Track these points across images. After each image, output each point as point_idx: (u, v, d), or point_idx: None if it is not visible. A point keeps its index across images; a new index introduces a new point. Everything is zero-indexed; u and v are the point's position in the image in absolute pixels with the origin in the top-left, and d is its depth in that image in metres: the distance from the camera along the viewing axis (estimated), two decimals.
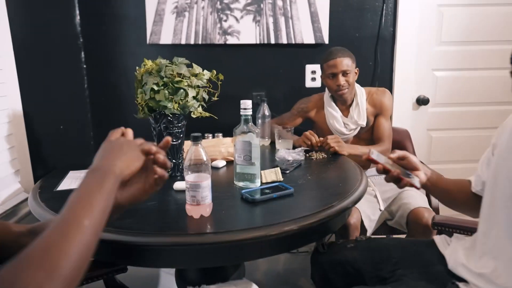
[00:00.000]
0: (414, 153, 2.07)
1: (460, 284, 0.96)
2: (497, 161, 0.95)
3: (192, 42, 2.04)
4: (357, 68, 1.79)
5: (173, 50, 2.06)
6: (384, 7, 2.13)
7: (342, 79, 1.71)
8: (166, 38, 2.03)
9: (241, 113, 1.19)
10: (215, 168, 1.45)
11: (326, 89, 1.86)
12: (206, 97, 1.38)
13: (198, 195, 0.98)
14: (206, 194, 0.99)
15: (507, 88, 2.45)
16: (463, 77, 2.31)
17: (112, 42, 2.07)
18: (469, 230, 1.23)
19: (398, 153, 1.07)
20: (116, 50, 2.08)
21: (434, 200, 1.77)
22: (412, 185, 1.00)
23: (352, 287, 1.07)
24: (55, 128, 1.93)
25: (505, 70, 2.47)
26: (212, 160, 1.48)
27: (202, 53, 2.09)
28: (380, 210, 1.69)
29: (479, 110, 2.37)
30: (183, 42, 2.04)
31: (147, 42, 2.03)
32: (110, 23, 2.04)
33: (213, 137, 1.75)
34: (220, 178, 1.37)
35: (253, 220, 1.04)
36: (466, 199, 1.09)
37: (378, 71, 2.21)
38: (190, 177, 0.99)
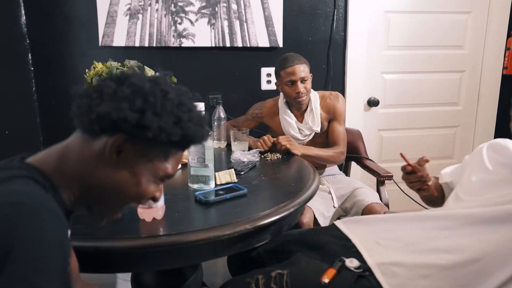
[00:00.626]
0: (366, 153, 2.16)
1: (347, 260, 1.02)
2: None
3: (146, 44, 2.02)
4: (311, 74, 1.79)
5: (126, 53, 2.03)
6: (335, 13, 2.21)
7: (301, 86, 1.71)
8: (119, 40, 1.99)
9: None
10: None
11: (281, 94, 1.86)
12: None
13: None
14: None
15: (450, 90, 2.62)
16: (410, 80, 2.45)
17: (62, 44, 2.00)
18: None
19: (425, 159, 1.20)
20: (67, 52, 2.01)
21: (384, 196, 1.86)
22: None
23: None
24: (0, 134, 1.84)
25: (447, 73, 2.64)
26: None
27: (157, 55, 2.07)
28: (334, 207, 1.75)
29: (425, 111, 2.51)
30: (137, 44, 2.01)
31: (99, 44, 1.99)
32: (60, 24, 1.98)
33: None
34: (175, 181, 1.37)
35: (207, 221, 1.05)
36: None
37: (331, 74, 2.29)
38: None
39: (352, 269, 1.00)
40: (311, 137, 1.85)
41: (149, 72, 1.37)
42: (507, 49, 2.42)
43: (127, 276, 1.96)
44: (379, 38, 2.35)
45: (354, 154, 2.14)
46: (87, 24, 1.99)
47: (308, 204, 1.59)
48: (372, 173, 1.99)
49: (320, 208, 1.67)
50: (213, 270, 2.16)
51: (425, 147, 2.56)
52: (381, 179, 1.91)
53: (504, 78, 2.48)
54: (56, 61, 2.01)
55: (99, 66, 1.29)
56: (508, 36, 2.42)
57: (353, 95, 2.33)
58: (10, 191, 0.59)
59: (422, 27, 2.37)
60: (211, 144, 1.21)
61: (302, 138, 1.83)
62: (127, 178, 0.67)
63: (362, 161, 2.11)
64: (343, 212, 1.82)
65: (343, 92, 2.32)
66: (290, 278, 1.00)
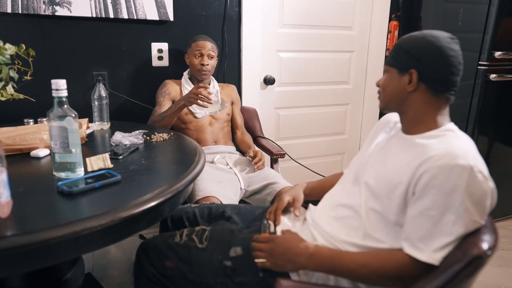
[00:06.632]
0: (261, 131, 2.17)
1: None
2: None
3: (8, 10, 1.73)
4: (217, 58, 1.95)
5: None
6: None
7: (207, 60, 1.87)
8: None
9: (53, 94, 1.05)
10: (35, 158, 1.27)
11: (184, 74, 1.97)
12: (16, 76, 1.18)
13: None
14: (0, 191, 0.84)
15: (340, 69, 2.73)
16: (304, 59, 2.50)
17: None
18: None
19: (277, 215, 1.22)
20: None
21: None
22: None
23: None
24: None
25: (338, 53, 2.73)
26: (32, 148, 1.29)
27: (24, 25, 1.79)
28: (241, 188, 1.71)
29: (319, 89, 2.61)
30: None
31: None
32: None
33: (35, 122, 1.53)
34: (40, 169, 1.20)
35: (67, 215, 0.93)
36: None
37: (226, 50, 2.23)
38: None
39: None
40: (207, 112, 1.86)
41: (10, 49, 1.16)
42: (389, 31, 2.60)
43: None
44: (274, 15, 2.35)
45: (250, 133, 2.13)
46: None
47: (215, 193, 1.55)
48: (266, 152, 2.00)
49: (228, 193, 1.62)
50: (106, 261, 2.03)
51: (318, 123, 2.67)
52: (275, 157, 1.94)
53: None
54: None
55: None
56: (390, 19, 2.59)
57: (249, 73, 2.31)
58: None
59: (314, 6, 2.42)
60: (76, 127, 1.07)
61: (199, 111, 1.88)
62: None
63: (257, 140, 2.11)
64: (250, 193, 1.78)
65: (239, 70, 2.29)
66: (210, 234, 1.14)
